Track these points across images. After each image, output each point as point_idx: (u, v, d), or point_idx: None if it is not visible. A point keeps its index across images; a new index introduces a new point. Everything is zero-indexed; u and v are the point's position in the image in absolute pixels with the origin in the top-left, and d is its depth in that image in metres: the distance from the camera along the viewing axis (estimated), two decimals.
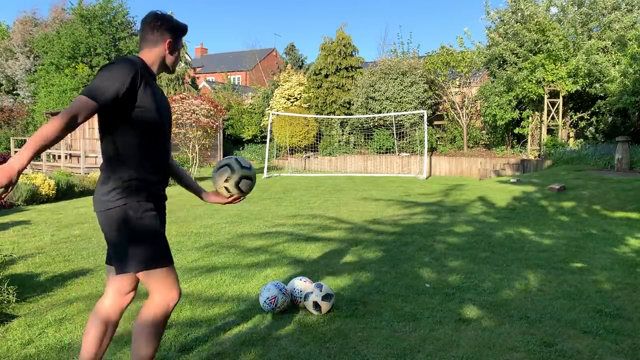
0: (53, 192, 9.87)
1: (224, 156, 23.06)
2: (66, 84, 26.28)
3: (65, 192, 10.29)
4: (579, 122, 16.04)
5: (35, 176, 10.05)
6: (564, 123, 15.86)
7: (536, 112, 16.01)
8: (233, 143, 25.03)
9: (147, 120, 2.15)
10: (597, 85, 14.32)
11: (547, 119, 15.30)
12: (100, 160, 20.84)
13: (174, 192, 7.57)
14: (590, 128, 15.87)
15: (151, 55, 2.24)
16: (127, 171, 2.13)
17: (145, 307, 2.22)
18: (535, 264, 4.74)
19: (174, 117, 14.23)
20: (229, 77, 35.69)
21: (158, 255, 2.18)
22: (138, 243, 2.14)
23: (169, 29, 2.26)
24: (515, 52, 15.76)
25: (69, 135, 24.54)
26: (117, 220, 2.12)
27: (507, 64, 16.05)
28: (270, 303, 3.41)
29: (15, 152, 22.92)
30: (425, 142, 15.95)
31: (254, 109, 24.49)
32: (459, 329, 3.17)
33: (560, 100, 15.13)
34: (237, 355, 2.81)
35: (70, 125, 1.93)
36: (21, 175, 11.15)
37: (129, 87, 2.06)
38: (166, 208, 2.41)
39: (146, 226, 2.16)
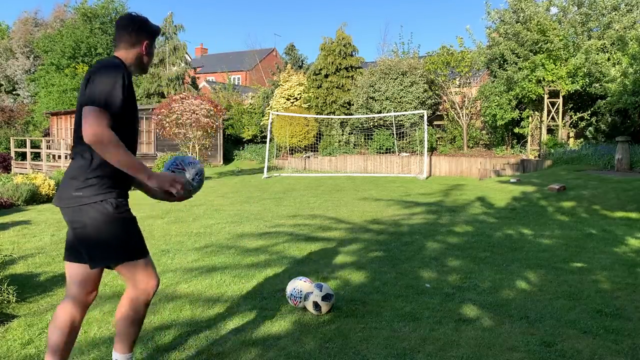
0: (53, 192, 9.86)
1: (224, 156, 23.02)
2: (66, 84, 26.28)
3: None
4: (579, 122, 16.03)
5: (35, 176, 10.05)
6: (564, 123, 15.85)
7: (536, 112, 16.00)
8: (233, 143, 25.02)
9: (129, 119, 2.23)
10: (597, 85, 14.32)
11: (547, 118, 15.29)
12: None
13: None
14: (590, 128, 15.86)
15: (129, 55, 2.32)
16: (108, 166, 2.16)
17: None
18: (535, 264, 4.74)
19: (173, 117, 14.25)
20: (229, 77, 35.70)
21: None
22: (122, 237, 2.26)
23: (147, 31, 2.35)
24: (515, 52, 15.76)
25: (69, 135, 24.49)
26: (97, 216, 2.17)
27: (507, 63, 16.05)
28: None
29: (15, 152, 22.90)
30: (425, 142, 15.95)
31: (254, 109, 24.47)
32: (459, 329, 3.17)
33: (560, 100, 15.12)
34: (237, 355, 2.81)
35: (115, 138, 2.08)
36: (21, 176, 11.08)
37: (125, 91, 2.14)
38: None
39: (129, 220, 2.26)
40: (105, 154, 2.06)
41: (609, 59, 14.16)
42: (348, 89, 19.37)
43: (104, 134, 2.03)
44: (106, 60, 2.22)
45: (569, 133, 16.30)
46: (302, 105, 20.97)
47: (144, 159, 21.13)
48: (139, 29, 2.32)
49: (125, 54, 2.31)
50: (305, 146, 20.04)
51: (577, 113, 16.03)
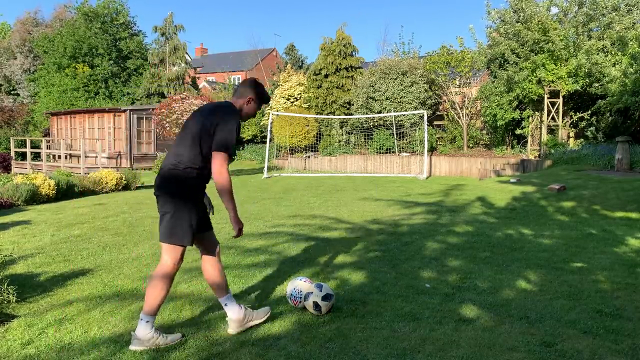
0: (53, 192, 9.86)
1: None
2: (66, 84, 26.26)
3: (65, 192, 10.28)
4: (579, 122, 16.03)
5: (35, 176, 10.03)
6: (564, 123, 15.86)
7: (536, 112, 16.00)
8: None
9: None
10: (597, 85, 14.32)
11: (547, 119, 15.29)
12: (100, 160, 20.73)
13: None
14: (591, 128, 15.86)
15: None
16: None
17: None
18: (535, 264, 4.74)
19: (173, 117, 14.25)
20: (229, 77, 35.69)
21: None
22: None
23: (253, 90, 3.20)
24: (516, 51, 15.76)
25: (68, 135, 24.50)
26: None
27: (508, 63, 16.05)
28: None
29: (15, 152, 22.90)
30: (425, 142, 15.95)
31: None
32: (459, 329, 3.17)
33: (560, 100, 15.12)
34: (237, 355, 2.81)
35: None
36: (21, 176, 11.08)
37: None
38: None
39: None
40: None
41: (609, 60, 14.15)
42: (348, 89, 19.37)
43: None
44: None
45: (569, 133, 16.30)
46: (302, 105, 20.97)
47: (144, 159, 21.12)
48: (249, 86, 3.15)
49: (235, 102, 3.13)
50: (305, 146, 20.04)
51: (577, 113, 16.03)
